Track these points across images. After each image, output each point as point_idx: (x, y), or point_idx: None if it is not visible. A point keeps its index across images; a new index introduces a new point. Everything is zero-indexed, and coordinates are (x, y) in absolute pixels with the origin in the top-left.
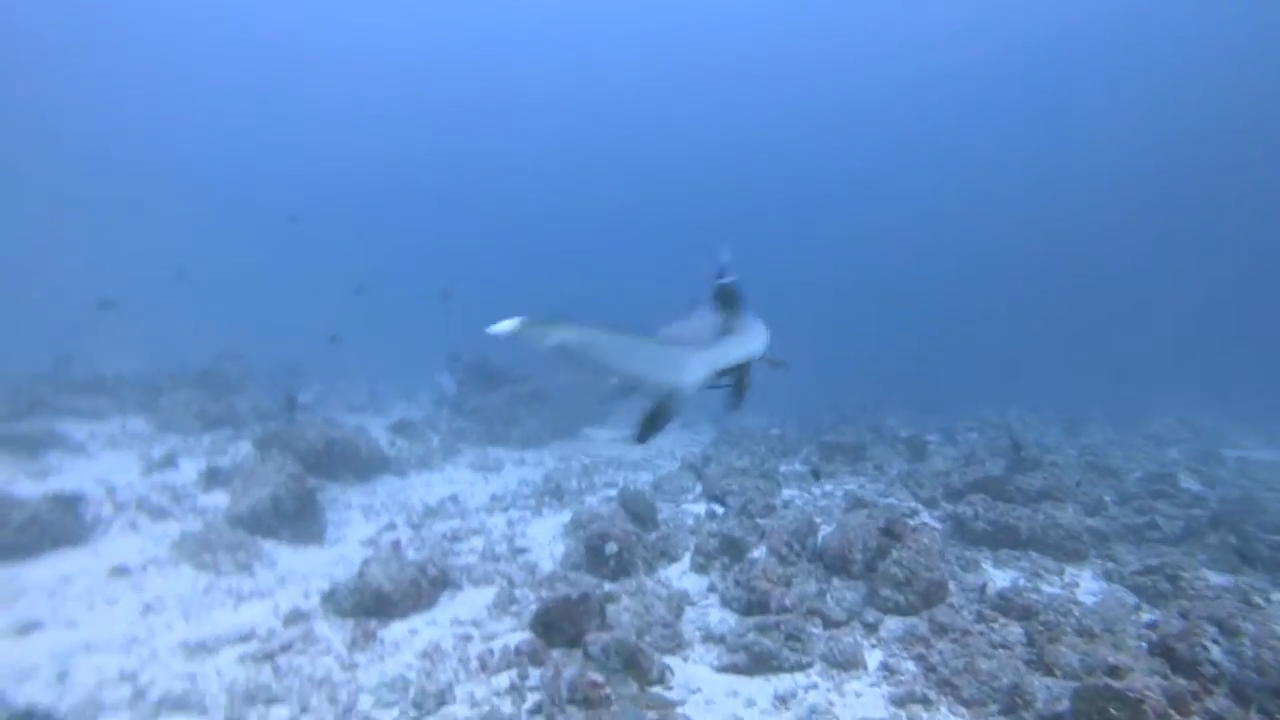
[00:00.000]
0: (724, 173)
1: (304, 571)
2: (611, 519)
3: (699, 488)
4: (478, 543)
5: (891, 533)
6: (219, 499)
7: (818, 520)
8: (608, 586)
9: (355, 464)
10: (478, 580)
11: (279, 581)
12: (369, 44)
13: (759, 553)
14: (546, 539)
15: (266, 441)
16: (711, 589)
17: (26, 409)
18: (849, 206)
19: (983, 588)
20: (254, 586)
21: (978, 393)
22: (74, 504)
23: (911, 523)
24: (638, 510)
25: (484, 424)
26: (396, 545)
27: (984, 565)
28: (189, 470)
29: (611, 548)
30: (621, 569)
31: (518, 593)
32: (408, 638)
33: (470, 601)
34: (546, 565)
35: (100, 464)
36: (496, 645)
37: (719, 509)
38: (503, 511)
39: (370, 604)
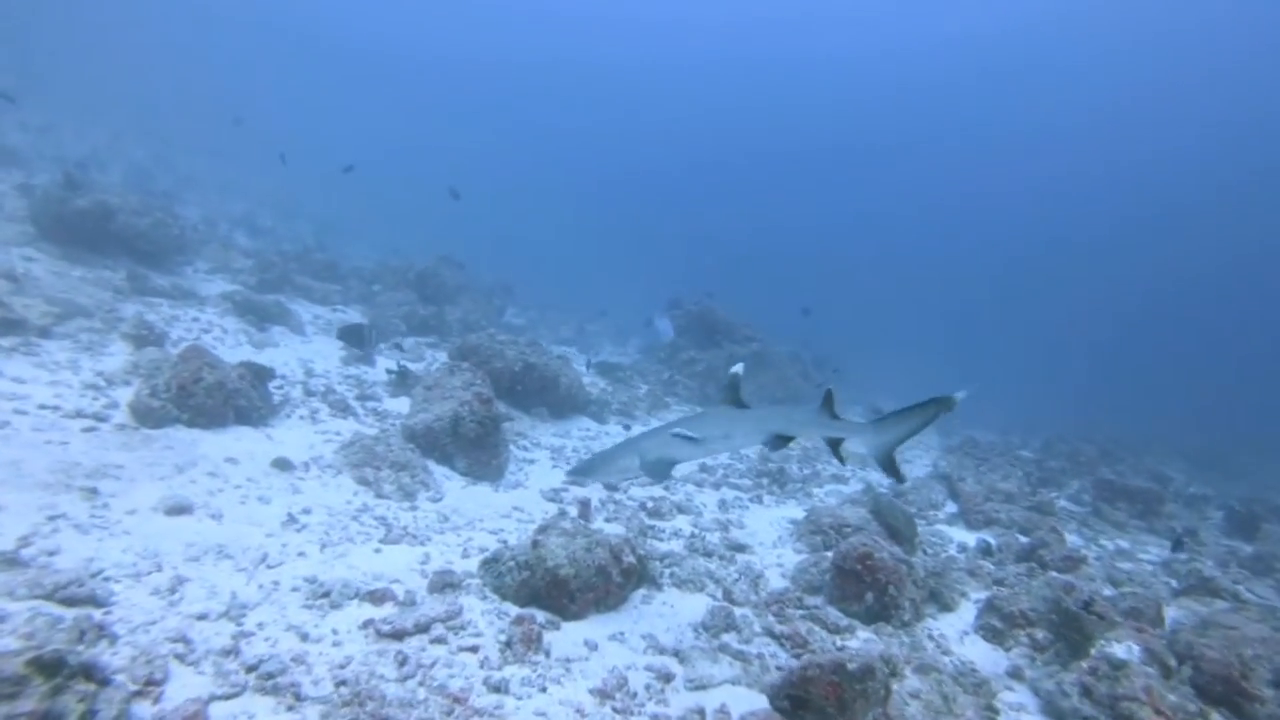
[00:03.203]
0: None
1: (470, 515)
2: (862, 529)
3: (950, 505)
4: (683, 524)
5: None
6: (402, 405)
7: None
8: (861, 634)
9: (552, 398)
10: (683, 581)
11: (439, 521)
12: None
13: (1123, 651)
14: (769, 536)
15: (463, 353)
16: (1016, 675)
17: (273, 283)
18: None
19: None
20: (409, 523)
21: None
22: (264, 377)
23: None
24: (896, 526)
25: (696, 380)
26: (586, 506)
27: None
28: (383, 370)
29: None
30: (883, 609)
31: (738, 614)
32: (583, 655)
33: (671, 612)
34: (774, 577)
35: (311, 347)
36: (710, 705)
37: (991, 541)
38: (713, 488)
39: (541, 589)
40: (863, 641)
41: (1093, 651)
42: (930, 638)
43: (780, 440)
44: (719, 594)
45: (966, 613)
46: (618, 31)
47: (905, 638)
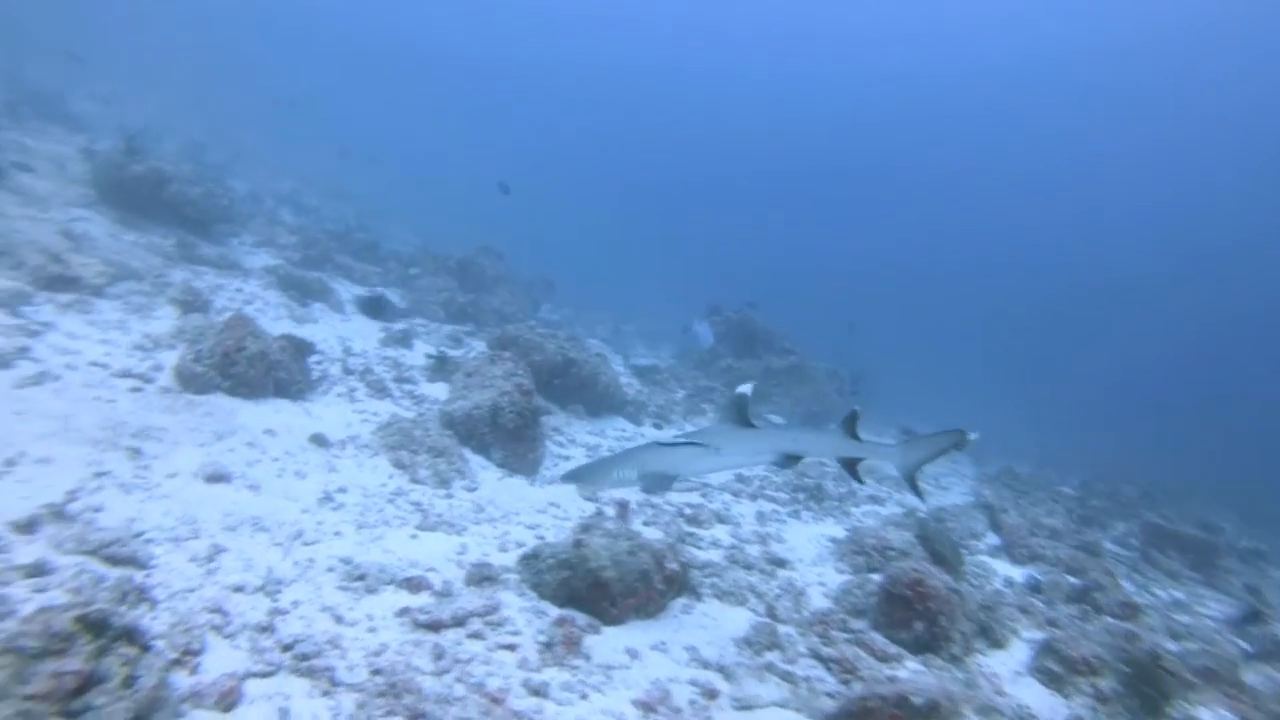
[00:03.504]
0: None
1: (506, 507)
2: (908, 554)
3: (991, 536)
4: (722, 533)
5: None
6: (439, 391)
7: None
8: (909, 664)
9: (589, 395)
10: (724, 593)
11: (475, 511)
12: None
13: (1211, 717)
14: (809, 553)
15: (502, 343)
16: None
17: (315, 260)
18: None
19: None
20: (444, 510)
21: None
22: (304, 351)
23: None
24: (943, 553)
25: (732, 388)
26: (624, 508)
27: None
28: (420, 354)
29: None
30: (932, 640)
31: (782, 631)
32: (624, 662)
33: (713, 623)
34: (816, 596)
35: (351, 325)
36: None
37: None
38: (750, 499)
39: (581, 590)
40: (911, 672)
41: (1171, 712)
42: (985, 676)
43: (790, 460)
44: (761, 609)
45: (1018, 652)
46: (676, 40)
47: (959, 674)
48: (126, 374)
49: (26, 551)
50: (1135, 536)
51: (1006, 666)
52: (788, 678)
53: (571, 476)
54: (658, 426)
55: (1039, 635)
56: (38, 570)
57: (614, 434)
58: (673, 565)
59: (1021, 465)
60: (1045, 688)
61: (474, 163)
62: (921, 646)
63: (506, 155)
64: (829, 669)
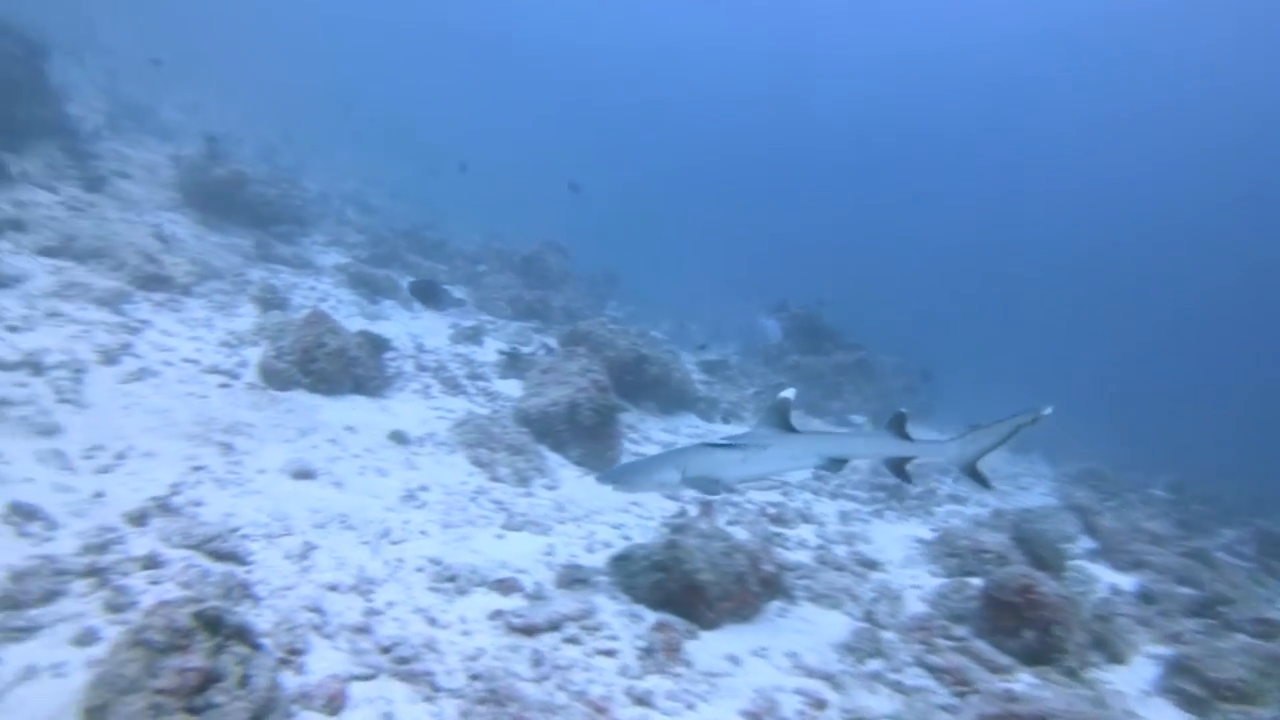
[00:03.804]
0: None
1: (588, 506)
2: (1005, 557)
3: (1086, 540)
4: (808, 533)
5: None
6: (512, 387)
7: None
8: (1024, 676)
9: (662, 392)
10: (818, 596)
11: (556, 510)
12: None
13: None
14: (897, 553)
15: (574, 338)
16: None
17: (383, 258)
18: None
19: None
20: (526, 510)
21: None
22: (380, 347)
23: None
24: (1044, 556)
25: (801, 386)
26: (709, 507)
27: None
28: (491, 351)
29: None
30: (1044, 650)
31: (884, 637)
32: (726, 670)
33: (811, 628)
34: (912, 600)
35: (420, 323)
36: None
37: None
38: (830, 498)
39: (676, 593)
40: (1027, 685)
41: None
42: (1108, 693)
43: (835, 464)
44: (858, 613)
45: (1141, 668)
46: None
47: (1083, 689)
48: (215, 370)
49: (140, 543)
50: (1248, 544)
51: (1131, 684)
52: (899, 689)
53: (610, 478)
54: (727, 423)
55: (1164, 651)
56: (151, 562)
57: (687, 431)
58: (768, 567)
59: (1092, 463)
60: (1184, 712)
61: (535, 158)
62: (1033, 657)
63: (569, 151)
64: (939, 679)
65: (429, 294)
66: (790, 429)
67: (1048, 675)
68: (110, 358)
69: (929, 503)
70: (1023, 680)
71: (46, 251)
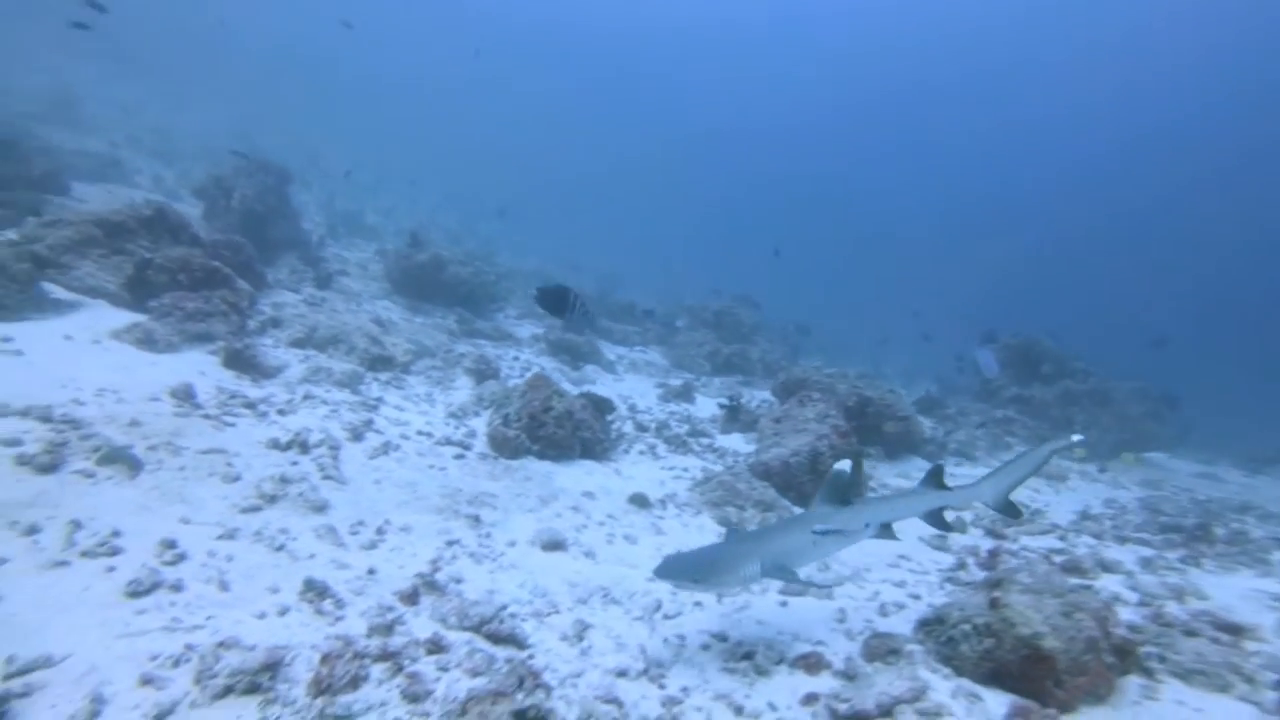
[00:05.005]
0: None
1: (854, 563)
2: None
3: None
4: (1117, 585)
5: None
6: (736, 442)
7: None
8: None
9: (887, 436)
10: (1188, 671)
11: (819, 569)
12: None
13: None
14: (1255, 614)
15: (789, 387)
16: None
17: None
18: None
19: None
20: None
21: None
22: (605, 409)
23: None
24: None
25: (1031, 417)
26: (995, 555)
27: None
28: (705, 406)
29: None
30: None
31: None
32: None
33: (1197, 718)
34: None
35: (625, 384)
36: None
37: None
38: (1117, 542)
39: (1013, 665)
40: None
41: None
42: None
43: (885, 530)
44: (1263, 700)
45: None
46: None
47: None
48: (448, 441)
49: (419, 624)
50: None
51: None
52: None
53: (681, 573)
54: (959, 465)
55: None
56: (435, 646)
57: (918, 476)
58: (1119, 631)
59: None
60: None
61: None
62: None
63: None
64: None
65: (557, 303)
66: (846, 502)
67: None
68: (357, 434)
69: (1244, 545)
70: None
71: (296, 343)
